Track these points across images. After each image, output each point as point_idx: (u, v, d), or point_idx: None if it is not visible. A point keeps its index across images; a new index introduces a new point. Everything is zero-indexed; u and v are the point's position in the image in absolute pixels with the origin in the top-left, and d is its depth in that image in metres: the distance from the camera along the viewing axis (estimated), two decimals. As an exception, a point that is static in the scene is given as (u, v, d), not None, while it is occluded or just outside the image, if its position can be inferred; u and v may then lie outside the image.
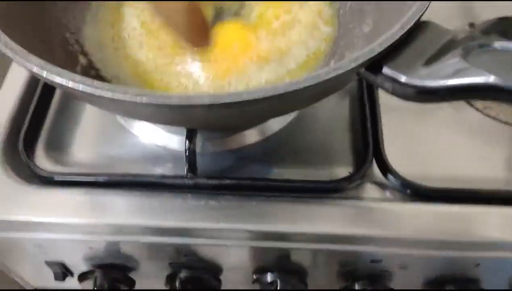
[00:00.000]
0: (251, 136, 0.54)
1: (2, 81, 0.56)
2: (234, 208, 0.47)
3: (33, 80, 0.56)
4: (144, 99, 0.33)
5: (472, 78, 0.32)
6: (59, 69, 0.35)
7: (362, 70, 0.36)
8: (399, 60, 0.36)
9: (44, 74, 0.35)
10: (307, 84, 0.34)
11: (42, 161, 0.52)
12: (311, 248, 0.47)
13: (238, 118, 0.39)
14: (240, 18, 0.54)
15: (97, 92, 0.34)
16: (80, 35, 0.52)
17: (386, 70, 0.36)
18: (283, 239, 0.47)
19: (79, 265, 0.52)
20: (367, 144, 0.49)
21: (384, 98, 0.52)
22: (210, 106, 0.33)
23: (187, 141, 0.47)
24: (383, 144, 0.49)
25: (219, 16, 0.55)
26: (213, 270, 0.51)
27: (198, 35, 0.52)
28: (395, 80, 0.35)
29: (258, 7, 0.54)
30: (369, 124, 0.50)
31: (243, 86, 0.48)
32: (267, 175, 0.51)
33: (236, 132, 0.53)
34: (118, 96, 0.33)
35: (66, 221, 0.48)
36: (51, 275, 0.53)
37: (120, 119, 0.55)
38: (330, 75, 0.34)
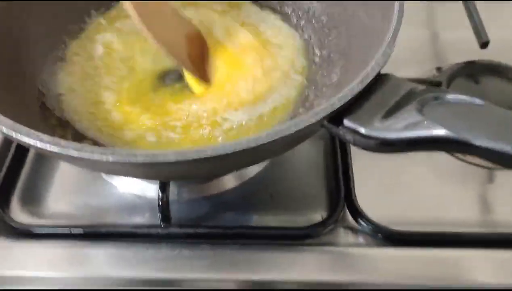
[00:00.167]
0: (228, 182, 0.54)
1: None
2: (208, 257, 0.47)
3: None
4: (110, 158, 0.34)
5: (426, 131, 0.34)
6: (27, 129, 0.36)
7: (325, 122, 0.38)
8: (359, 113, 0.37)
9: (13, 134, 0.36)
10: (269, 139, 0.35)
11: (18, 214, 0.52)
12: (287, 295, 0.48)
13: (206, 171, 0.40)
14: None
15: (64, 151, 0.35)
16: (52, 87, 0.53)
17: (347, 122, 0.37)
18: (259, 287, 0.47)
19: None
20: (338, 189, 0.50)
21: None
22: (176, 163, 0.34)
23: (160, 192, 0.47)
24: (354, 189, 0.50)
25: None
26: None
27: (201, 67, 0.54)
28: (356, 132, 0.37)
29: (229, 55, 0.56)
30: (340, 170, 0.51)
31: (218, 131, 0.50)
32: (243, 221, 0.52)
33: (211, 179, 0.53)
34: (84, 155, 0.34)
35: (42, 275, 0.47)
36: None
37: (96, 169, 0.55)
38: (292, 130, 0.35)
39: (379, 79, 0.39)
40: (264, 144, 0.35)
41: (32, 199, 0.53)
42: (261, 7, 0.62)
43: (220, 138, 0.48)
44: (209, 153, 0.34)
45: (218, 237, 0.49)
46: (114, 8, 0.61)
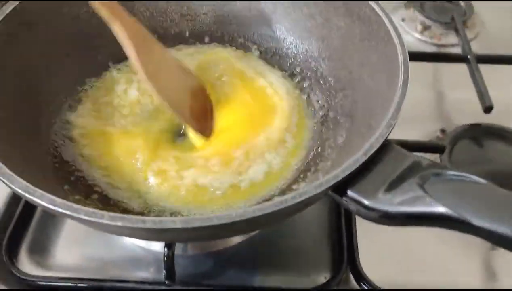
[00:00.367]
0: (233, 238, 0.55)
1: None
2: (211, 316, 0.48)
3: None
4: (119, 223, 0.35)
5: (427, 208, 0.34)
6: (40, 192, 0.37)
7: (329, 191, 0.39)
8: (362, 184, 0.38)
9: (26, 195, 0.37)
10: (274, 208, 0.36)
11: (26, 265, 0.53)
12: None
13: (211, 236, 0.40)
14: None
15: (75, 215, 0.36)
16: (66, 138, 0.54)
17: (350, 193, 0.38)
18: None
19: None
20: (342, 251, 0.51)
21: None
22: (183, 230, 0.35)
23: (166, 249, 0.48)
24: (357, 252, 0.50)
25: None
26: None
27: (203, 121, 0.54)
28: (359, 203, 0.37)
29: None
30: (344, 232, 0.52)
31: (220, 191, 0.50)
32: (247, 279, 0.52)
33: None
34: (95, 219, 0.35)
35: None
36: None
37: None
38: (296, 201, 0.36)
39: (383, 149, 0.40)
40: (269, 213, 0.36)
41: (40, 250, 0.54)
42: (268, 62, 0.64)
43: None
44: (216, 221, 0.35)
45: (222, 297, 0.49)
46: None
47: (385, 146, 0.40)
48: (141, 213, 0.48)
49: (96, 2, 0.46)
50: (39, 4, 0.54)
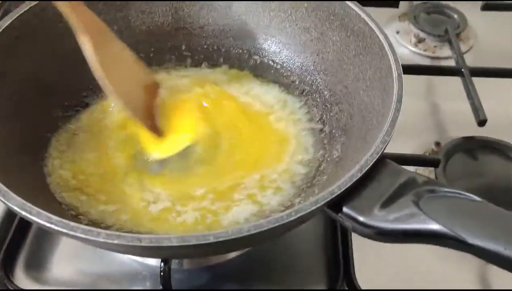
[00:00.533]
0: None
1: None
2: (207, 331, 0.48)
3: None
4: (116, 241, 0.35)
5: (421, 225, 0.35)
6: (36, 209, 0.37)
7: (325, 208, 0.39)
8: (358, 200, 0.38)
9: (23, 213, 0.37)
10: (270, 226, 0.36)
11: (22, 280, 0.53)
12: None
13: (207, 253, 0.41)
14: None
15: (72, 233, 0.36)
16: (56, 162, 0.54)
17: (346, 210, 0.38)
18: None
19: None
20: (338, 265, 0.51)
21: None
22: (178, 247, 0.35)
23: (162, 264, 0.48)
24: (353, 266, 0.51)
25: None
26: None
27: (155, 119, 0.54)
28: (354, 220, 0.38)
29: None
30: (340, 246, 0.52)
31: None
32: (242, 294, 0.52)
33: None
34: (91, 237, 0.35)
35: None
36: None
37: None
38: (292, 218, 0.36)
39: (378, 165, 0.41)
40: (264, 231, 0.36)
41: (36, 265, 0.54)
42: (264, 79, 0.64)
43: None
44: (212, 239, 0.35)
45: (218, 312, 0.49)
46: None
47: (380, 162, 0.41)
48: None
49: None
50: (36, 18, 0.55)
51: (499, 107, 0.67)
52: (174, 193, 0.50)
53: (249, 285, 0.53)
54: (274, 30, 0.64)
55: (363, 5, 0.55)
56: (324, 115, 0.58)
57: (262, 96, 0.62)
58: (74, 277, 0.54)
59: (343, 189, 0.38)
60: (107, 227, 0.47)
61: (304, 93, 0.61)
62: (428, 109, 0.72)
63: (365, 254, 0.52)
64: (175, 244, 0.35)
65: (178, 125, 0.55)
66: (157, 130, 0.54)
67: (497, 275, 0.53)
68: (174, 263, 0.52)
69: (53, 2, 0.47)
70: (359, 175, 0.38)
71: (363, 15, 0.54)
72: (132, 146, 0.55)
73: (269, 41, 0.65)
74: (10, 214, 0.56)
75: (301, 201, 0.50)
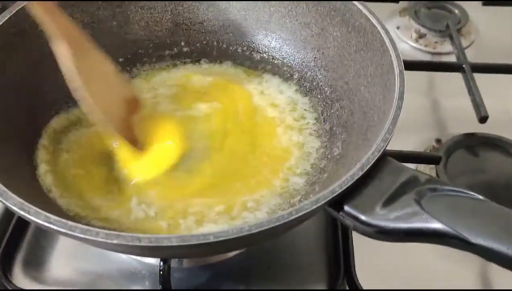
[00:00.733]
0: (228, 250, 0.55)
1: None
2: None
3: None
4: (115, 241, 0.35)
5: (423, 224, 0.34)
6: (35, 209, 0.37)
7: (326, 206, 0.38)
8: (359, 199, 0.38)
9: (21, 213, 0.37)
10: (271, 225, 0.36)
11: (20, 279, 0.52)
12: None
13: (206, 252, 0.40)
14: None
15: (70, 233, 0.35)
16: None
17: (347, 208, 0.38)
18: None
19: None
20: (338, 263, 0.51)
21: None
22: (178, 247, 0.35)
23: (162, 263, 0.47)
24: (354, 265, 0.50)
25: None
26: None
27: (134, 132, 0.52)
28: (356, 218, 0.37)
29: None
30: (340, 244, 0.52)
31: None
32: (241, 292, 0.52)
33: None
34: (90, 237, 0.35)
35: None
36: None
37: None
38: (292, 217, 0.36)
39: (379, 163, 0.40)
40: (264, 230, 0.35)
41: (35, 264, 0.54)
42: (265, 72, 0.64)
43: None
44: (211, 239, 0.35)
45: (218, 311, 0.49)
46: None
47: (382, 160, 0.40)
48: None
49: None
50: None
51: (501, 104, 0.66)
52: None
53: (249, 284, 0.52)
54: (274, 25, 0.64)
55: (364, 0, 0.55)
56: (325, 112, 0.58)
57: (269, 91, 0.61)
58: (72, 276, 0.53)
59: (344, 188, 0.37)
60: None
61: (304, 90, 0.61)
62: (429, 106, 0.71)
63: (366, 252, 0.52)
64: (174, 244, 0.35)
65: (159, 144, 0.53)
66: (136, 145, 0.52)
67: (497, 273, 0.52)
68: (174, 262, 0.52)
69: (27, 5, 0.45)
70: (361, 174, 0.38)
71: (364, 11, 0.54)
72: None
73: (269, 37, 0.64)
74: (8, 213, 0.56)
75: (302, 199, 0.50)
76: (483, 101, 0.61)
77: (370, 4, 0.55)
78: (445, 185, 0.36)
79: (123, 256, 0.54)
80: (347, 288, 0.50)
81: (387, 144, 0.41)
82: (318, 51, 0.61)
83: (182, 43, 0.65)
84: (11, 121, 0.49)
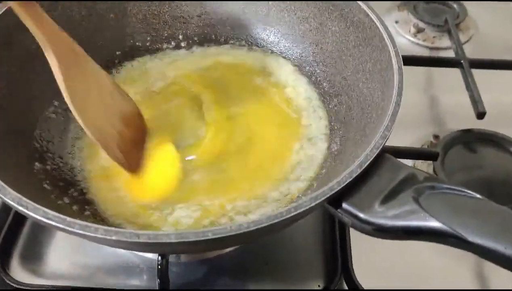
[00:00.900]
0: (226, 245, 0.55)
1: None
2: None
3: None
4: (114, 237, 0.35)
5: (421, 222, 0.34)
6: (33, 205, 0.37)
7: (324, 203, 0.38)
8: (357, 196, 0.38)
9: (19, 208, 0.37)
10: (269, 222, 0.36)
11: (18, 272, 0.52)
12: None
13: (205, 249, 0.40)
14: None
15: (69, 229, 0.35)
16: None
17: (345, 206, 0.38)
18: None
19: None
20: (335, 259, 0.51)
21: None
22: (177, 244, 0.35)
23: (160, 258, 0.48)
24: (351, 261, 0.50)
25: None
26: None
27: (132, 152, 0.49)
28: (354, 216, 0.37)
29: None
30: (338, 239, 0.52)
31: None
32: (240, 287, 0.52)
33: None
34: (89, 233, 0.35)
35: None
36: None
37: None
38: (291, 214, 0.36)
39: (378, 160, 0.40)
40: (263, 227, 0.35)
41: (33, 258, 0.54)
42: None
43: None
44: (210, 235, 0.35)
45: (215, 305, 0.49)
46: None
47: (380, 157, 0.40)
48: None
49: (16, 5, 0.40)
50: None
51: (499, 100, 0.66)
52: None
53: (246, 279, 0.52)
54: (272, 19, 0.64)
55: (363, -6, 0.55)
56: (323, 107, 0.57)
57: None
58: (70, 270, 0.53)
59: (342, 185, 0.37)
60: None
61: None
62: (427, 101, 0.71)
63: (363, 249, 0.52)
64: (173, 240, 0.35)
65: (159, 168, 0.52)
66: (133, 168, 0.50)
67: (494, 271, 0.52)
68: (172, 256, 0.52)
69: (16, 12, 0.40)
70: (359, 171, 0.38)
71: (363, 6, 0.53)
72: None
73: (267, 31, 0.64)
74: (5, 206, 0.56)
75: (300, 195, 0.50)
76: (481, 97, 0.61)
77: (369, -2, 0.54)
78: (444, 183, 0.36)
79: (122, 250, 0.54)
80: (345, 284, 0.50)
81: (385, 142, 0.41)
82: (316, 46, 0.60)
83: (180, 37, 0.65)
84: (8, 115, 0.49)
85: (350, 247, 0.51)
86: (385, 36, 0.50)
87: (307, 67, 0.61)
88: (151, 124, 0.55)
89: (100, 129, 0.47)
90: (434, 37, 0.81)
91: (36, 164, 0.50)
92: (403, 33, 0.82)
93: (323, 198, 0.37)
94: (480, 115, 0.60)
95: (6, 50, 0.51)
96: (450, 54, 0.74)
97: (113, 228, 0.35)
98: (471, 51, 0.73)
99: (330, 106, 0.57)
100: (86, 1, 0.59)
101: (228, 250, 0.54)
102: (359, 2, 0.54)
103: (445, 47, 0.79)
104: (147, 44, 0.64)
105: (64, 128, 0.55)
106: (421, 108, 0.70)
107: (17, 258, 0.53)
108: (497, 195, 0.57)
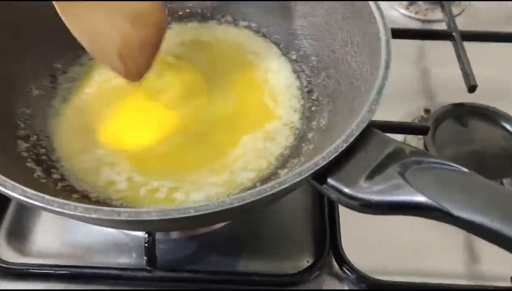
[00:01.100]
0: (215, 221, 0.54)
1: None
2: (193, 301, 0.47)
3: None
4: (94, 215, 0.34)
5: (407, 197, 0.34)
6: (11, 183, 0.36)
7: (310, 179, 0.38)
8: (343, 171, 0.37)
9: (-3, 188, 0.36)
10: (253, 199, 0.35)
11: (5, 251, 0.52)
12: None
13: (189, 226, 0.40)
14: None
15: (48, 207, 0.35)
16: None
17: (331, 181, 0.37)
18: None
19: None
20: (324, 235, 0.50)
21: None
22: (158, 221, 0.34)
23: (147, 235, 0.47)
24: (340, 236, 0.50)
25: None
26: None
27: (139, 56, 0.43)
28: (339, 191, 0.37)
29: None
30: (326, 215, 0.51)
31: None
32: (229, 264, 0.51)
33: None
34: (68, 211, 0.34)
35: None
36: None
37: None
38: (275, 190, 0.35)
39: (364, 135, 0.39)
40: (247, 203, 0.35)
41: (19, 236, 0.53)
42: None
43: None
44: (192, 212, 0.34)
45: (204, 282, 0.49)
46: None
47: (367, 131, 0.39)
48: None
49: None
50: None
51: (491, 73, 0.65)
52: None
53: (236, 255, 0.52)
54: (261, -8, 0.62)
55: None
56: (311, 82, 0.57)
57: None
58: (58, 248, 0.53)
59: (327, 160, 0.37)
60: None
61: (291, 59, 0.60)
62: (419, 75, 0.70)
63: (353, 225, 0.51)
64: (154, 218, 0.34)
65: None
66: (134, 76, 0.44)
67: (483, 244, 0.52)
68: (160, 234, 0.51)
69: None
70: (345, 146, 0.37)
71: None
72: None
73: (255, 4, 0.63)
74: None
75: (289, 172, 0.49)
76: (473, 71, 0.60)
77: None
78: (430, 157, 0.36)
79: (110, 228, 0.53)
80: (334, 260, 0.50)
81: (372, 116, 0.40)
82: (305, 18, 0.59)
83: (166, 12, 0.63)
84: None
85: (339, 223, 0.51)
86: (373, 8, 0.49)
87: (295, 41, 0.60)
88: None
89: (95, 33, 0.40)
90: (426, 9, 0.79)
91: (19, 141, 0.49)
92: (395, 5, 0.80)
93: (307, 174, 0.36)
94: (471, 88, 0.59)
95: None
96: (443, 26, 0.72)
97: (92, 206, 0.34)
98: (463, 24, 0.72)
99: (319, 80, 0.56)
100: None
101: (217, 226, 0.54)
102: (348, -28, 0.53)
103: (437, 20, 0.77)
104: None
105: (49, 105, 0.54)
106: (413, 82, 0.69)
107: (2, 236, 0.53)
108: (488, 168, 0.57)
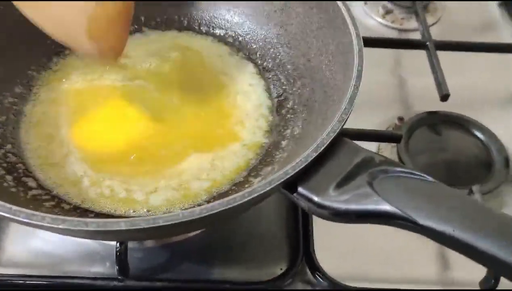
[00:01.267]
0: (189, 230, 0.54)
1: None
2: (166, 310, 0.47)
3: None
4: (61, 226, 0.34)
5: (374, 206, 0.34)
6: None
7: (280, 188, 0.38)
8: (313, 180, 0.37)
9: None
10: (223, 208, 0.35)
11: (-27, 261, 0.51)
12: None
13: (159, 235, 0.40)
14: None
15: (14, 218, 0.34)
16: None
17: (301, 190, 0.37)
18: None
19: None
20: (298, 243, 0.51)
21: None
22: (127, 231, 0.34)
23: (118, 244, 0.47)
24: (313, 244, 0.50)
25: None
26: None
27: (111, 35, 0.41)
28: (309, 200, 0.37)
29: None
30: (300, 223, 0.52)
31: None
32: (203, 272, 0.51)
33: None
34: (36, 222, 0.34)
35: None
36: None
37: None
38: (245, 199, 0.35)
39: (335, 144, 0.40)
40: (217, 212, 0.35)
41: (-12, 244, 0.52)
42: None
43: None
44: (161, 222, 0.34)
45: (176, 291, 0.48)
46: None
47: (337, 140, 0.40)
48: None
49: None
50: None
51: (466, 82, 0.66)
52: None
53: (210, 263, 0.52)
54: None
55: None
56: (287, 90, 0.57)
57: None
58: (30, 258, 0.52)
59: (297, 169, 0.37)
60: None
61: (267, 68, 0.60)
62: (394, 83, 0.71)
63: (326, 232, 0.52)
64: (123, 228, 0.34)
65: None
66: (108, 53, 0.43)
67: (453, 251, 0.53)
68: (133, 242, 0.51)
69: None
70: (314, 155, 0.38)
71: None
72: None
73: (232, 12, 0.63)
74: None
75: (262, 179, 0.49)
76: (445, 80, 0.61)
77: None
78: (399, 166, 0.36)
79: (82, 237, 0.53)
80: (307, 268, 0.50)
81: (343, 125, 0.40)
82: (281, 27, 0.60)
83: (142, 18, 0.63)
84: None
85: (313, 229, 0.51)
86: (347, 18, 0.49)
87: (271, 50, 0.60)
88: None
89: (59, 18, 0.39)
90: (402, 18, 0.80)
91: None
92: (371, 14, 0.81)
93: (277, 183, 0.36)
94: (444, 97, 0.60)
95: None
96: (418, 36, 0.73)
97: (60, 216, 0.34)
98: (438, 34, 0.73)
99: (294, 89, 0.56)
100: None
101: (191, 234, 0.53)
102: (322, -18, 0.53)
103: (413, 29, 0.78)
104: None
105: (21, 112, 0.54)
106: (389, 90, 0.70)
107: (-27, 245, 0.52)
108: (460, 177, 0.58)
